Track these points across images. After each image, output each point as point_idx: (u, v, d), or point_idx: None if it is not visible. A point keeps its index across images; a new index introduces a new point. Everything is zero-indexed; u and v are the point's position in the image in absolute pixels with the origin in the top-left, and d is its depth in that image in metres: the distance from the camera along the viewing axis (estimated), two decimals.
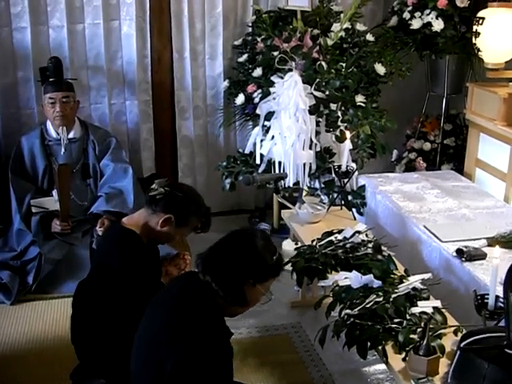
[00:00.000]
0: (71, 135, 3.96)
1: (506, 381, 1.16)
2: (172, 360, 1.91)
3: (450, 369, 1.25)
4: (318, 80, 3.84)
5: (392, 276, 2.75)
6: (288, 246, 3.96)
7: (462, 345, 1.23)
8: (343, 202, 3.71)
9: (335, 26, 4.16)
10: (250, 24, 4.45)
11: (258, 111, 3.96)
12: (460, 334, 2.27)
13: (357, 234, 3.07)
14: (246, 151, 4.12)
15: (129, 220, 2.59)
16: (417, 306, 2.49)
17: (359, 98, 3.97)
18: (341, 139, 3.81)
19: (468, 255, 2.93)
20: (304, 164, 3.83)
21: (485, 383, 1.19)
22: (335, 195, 3.79)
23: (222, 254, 2.09)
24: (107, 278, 2.47)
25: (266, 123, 3.91)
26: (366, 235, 3.12)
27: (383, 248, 2.98)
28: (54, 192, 3.82)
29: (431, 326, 2.29)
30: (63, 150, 3.92)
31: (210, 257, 2.10)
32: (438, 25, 4.15)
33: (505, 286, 1.32)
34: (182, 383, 1.91)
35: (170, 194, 2.55)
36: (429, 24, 4.18)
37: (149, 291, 2.43)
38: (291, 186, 3.86)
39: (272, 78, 3.94)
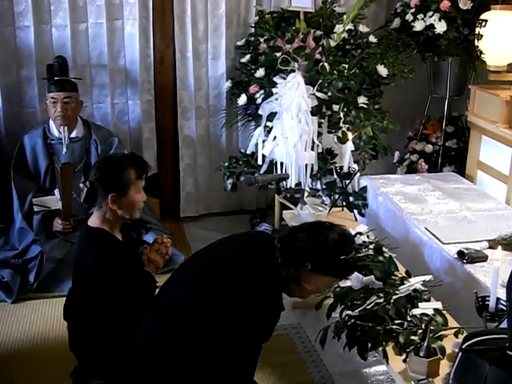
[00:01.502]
0: (73, 134, 3.97)
1: (508, 382, 1.17)
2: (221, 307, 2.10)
3: (452, 370, 1.25)
4: (320, 81, 3.84)
5: (393, 277, 2.75)
6: None
7: (463, 346, 1.23)
8: (345, 203, 3.71)
9: (338, 28, 4.17)
10: (253, 25, 4.46)
11: (260, 112, 3.96)
12: (461, 336, 2.27)
13: (358, 236, 3.07)
14: (248, 152, 4.12)
15: (92, 221, 2.61)
16: (418, 307, 2.49)
17: (361, 100, 3.98)
18: (343, 140, 3.82)
19: (469, 257, 2.93)
20: (306, 165, 3.83)
21: None
22: (337, 196, 3.79)
23: (299, 231, 2.21)
24: (86, 281, 2.49)
25: (268, 124, 3.91)
26: (368, 236, 3.12)
27: (384, 249, 2.98)
28: (56, 191, 3.83)
29: (432, 327, 2.29)
30: (65, 149, 3.93)
31: (290, 230, 2.27)
32: (440, 27, 4.16)
33: (508, 288, 1.33)
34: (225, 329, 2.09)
35: (90, 185, 2.55)
36: (431, 26, 4.19)
37: (131, 284, 2.47)
38: (293, 186, 3.86)
39: (274, 79, 3.95)
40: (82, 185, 2.59)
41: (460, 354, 1.25)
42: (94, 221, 2.59)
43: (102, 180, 2.53)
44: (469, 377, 1.22)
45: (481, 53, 3.98)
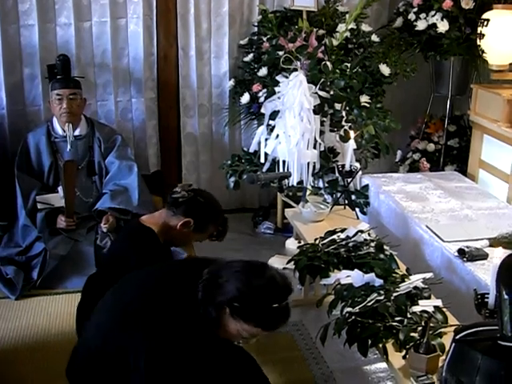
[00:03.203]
0: (77, 132, 3.99)
1: (500, 372, 1.19)
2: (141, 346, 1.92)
3: (445, 362, 1.27)
4: (322, 80, 3.86)
5: (394, 275, 2.76)
6: (291, 245, 3.99)
7: (456, 337, 1.25)
8: (346, 202, 3.72)
9: (340, 27, 4.19)
10: (256, 24, 4.48)
11: (262, 110, 3.98)
12: None
13: (359, 233, 3.08)
14: (251, 150, 4.14)
15: (148, 218, 2.64)
16: (418, 304, 2.50)
17: (364, 99, 4.00)
18: (345, 139, 3.83)
19: (470, 255, 2.94)
20: (308, 163, 3.85)
21: (479, 375, 1.21)
22: (339, 194, 3.80)
23: (228, 267, 1.98)
24: (121, 272, 2.49)
25: (271, 122, 3.93)
26: (369, 234, 3.13)
27: (385, 247, 2.99)
28: (60, 188, 3.84)
29: (432, 324, 2.31)
30: (69, 146, 3.95)
31: (223, 264, 2.02)
32: (442, 26, 4.17)
33: (497, 280, 1.35)
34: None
35: (192, 199, 2.60)
36: (434, 25, 4.21)
37: None
38: (295, 184, 3.88)
39: (277, 78, 3.96)
40: (179, 187, 2.63)
41: (452, 345, 1.27)
42: (152, 219, 2.63)
43: (199, 205, 2.60)
44: (461, 368, 1.24)
45: (483, 52, 4.00)
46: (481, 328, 1.33)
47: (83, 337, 2.21)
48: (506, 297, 1.32)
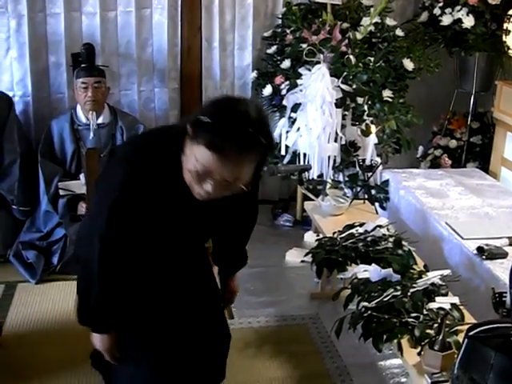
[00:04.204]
0: (100, 120, 4.02)
1: None
2: None
3: (457, 359, 1.27)
4: (345, 73, 3.85)
5: (411, 271, 2.76)
6: (310, 238, 3.99)
7: (469, 334, 1.25)
8: (366, 196, 3.72)
9: (365, 20, 4.16)
10: (280, 16, 4.47)
11: (284, 103, 3.98)
12: None
13: (378, 228, 3.08)
14: None
15: None
16: (434, 301, 2.50)
17: (386, 93, 3.97)
18: (366, 133, 3.83)
19: (489, 253, 2.93)
20: (329, 157, 3.85)
21: (492, 372, 1.20)
22: (358, 189, 3.80)
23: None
24: None
25: (293, 115, 3.93)
26: (388, 229, 3.13)
27: (404, 243, 2.99)
28: (82, 176, 3.88)
29: (448, 321, 2.30)
30: (92, 134, 3.98)
31: None
32: (468, 21, 4.13)
33: (510, 277, 1.35)
34: None
35: None
36: (459, 20, 4.17)
37: None
38: (315, 178, 3.88)
39: (299, 70, 3.96)
40: None
41: (465, 341, 1.27)
42: None
43: None
44: (474, 365, 1.24)
45: (508, 48, 3.96)
46: (494, 325, 1.32)
47: None
48: None
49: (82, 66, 3.94)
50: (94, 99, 3.92)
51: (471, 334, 1.26)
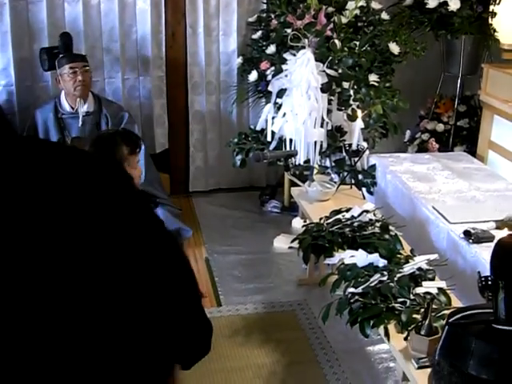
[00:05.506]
0: (85, 109, 3.98)
1: (493, 355, 1.18)
2: None
3: (438, 345, 1.26)
4: (330, 58, 3.82)
5: (398, 256, 2.76)
6: (298, 224, 3.97)
7: (449, 320, 1.25)
8: (353, 181, 3.71)
9: (350, 4, 4.12)
10: (265, 1, 4.43)
11: (270, 88, 3.95)
12: None
13: (364, 213, 3.07)
14: (258, 128, 4.13)
15: None
16: (421, 286, 2.50)
17: (372, 77, 3.95)
18: (352, 118, 3.81)
19: (476, 237, 2.92)
20: (315, 142, 3.83)
21: (473, 359, 1.20)
22: (345, 174, 3.79)
23: None
24: None
25: (278, 100, 3.91)
26: (374, 214, 3.12)
27: (391, 228, 2.98)
28: None
29: (435, 306, 2.30)
30: (80, 122, 3.94)
31: None
32: (454, 4, 4.11)
33: (492, 260, 1.34)
34: None
35: None
36: (445, 3, 4.14)
37: None
38: (302, 163, 3.86)
39: (284, 56, 3.93)
40: None
41: (445, 328, 1.27)
42: None
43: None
44: (455, 351, 1.23)
45: (494, 31, 3.94)
46: (475, 311, 1.32)
47: None
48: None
49: (61, 55, 3.90)
50: (84, 84, 3.89)
51: (452, 320, 1.25)
